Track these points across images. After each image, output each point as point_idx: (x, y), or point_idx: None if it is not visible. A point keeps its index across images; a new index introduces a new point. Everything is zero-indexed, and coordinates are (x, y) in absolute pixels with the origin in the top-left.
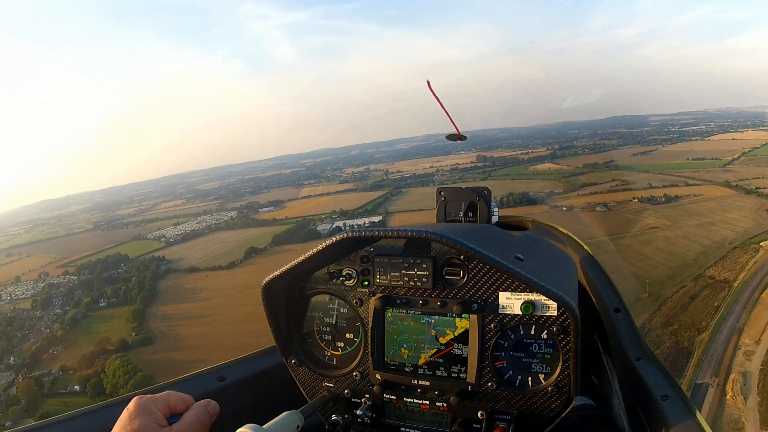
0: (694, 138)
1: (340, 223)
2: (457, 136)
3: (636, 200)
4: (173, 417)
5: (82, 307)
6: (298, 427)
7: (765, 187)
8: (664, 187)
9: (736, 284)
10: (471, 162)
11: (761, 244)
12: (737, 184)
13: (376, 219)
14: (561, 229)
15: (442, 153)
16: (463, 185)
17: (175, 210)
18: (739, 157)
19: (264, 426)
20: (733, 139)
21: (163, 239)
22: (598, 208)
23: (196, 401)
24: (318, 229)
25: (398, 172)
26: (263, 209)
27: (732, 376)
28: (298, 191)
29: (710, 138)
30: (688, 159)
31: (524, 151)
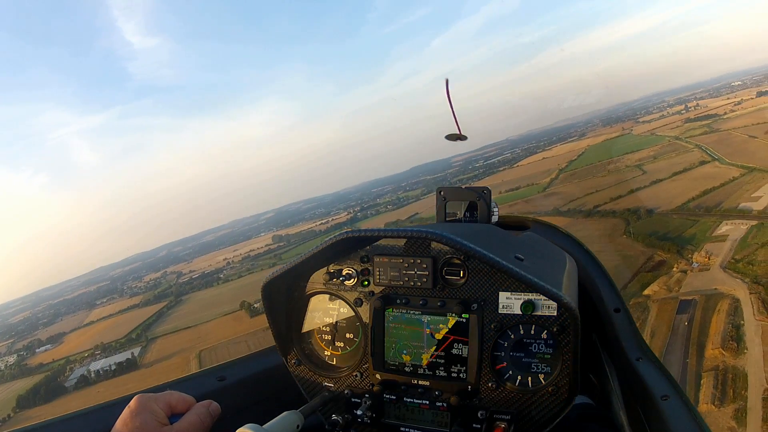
0: (501, 168)
1: (97, 365)
2: (457, 136)
3: None
4: (174, 416)
5: None
6: (298, 427)
7: (603, 203)
8: None
9: None
10: (266, 245)
11: (645, 292)
12: (569, 209)
13: (136, 350)
14: (561, 229)
15: (244, 239)
16: (463, 185)
17: None
18: (558, 175)
19: (264, 426)
20: (543, 158)
21: None
22: None
23: (197, 401)
24: (66, 384)
25: (191, 272)
26: (41, 348)
27: None
28: (87, 315)
29: (519, 164)
30: (500, 192)
31: (323, 221)
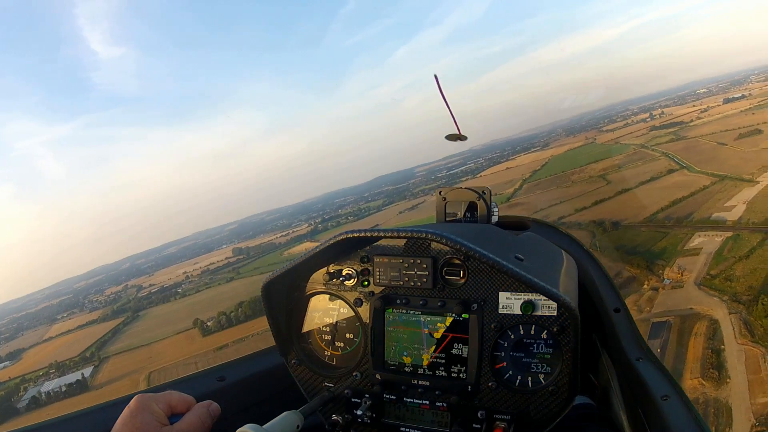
0: (464, 179)
1: (49, 385)
2: (456, 136)
3: None
4: (174, 417)
5: None
6: (298, 427)
7: (568, 215)
8: None
9: None
10: (226, 258)
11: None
12: (535, 219)
13: (88, 370)
14: (561, 229)
15: (206, 251)
16: (463, 186)
17: None
18: (521, 185)
19: (264, 426)
20: (507, 168)
21: None
22: None
23: (197, 401)
24: (18, 405)
25: (150, 285)
26: None
27: None
28: (47, 330)
29: (482, 174)
30: None
31: (284, 233)
